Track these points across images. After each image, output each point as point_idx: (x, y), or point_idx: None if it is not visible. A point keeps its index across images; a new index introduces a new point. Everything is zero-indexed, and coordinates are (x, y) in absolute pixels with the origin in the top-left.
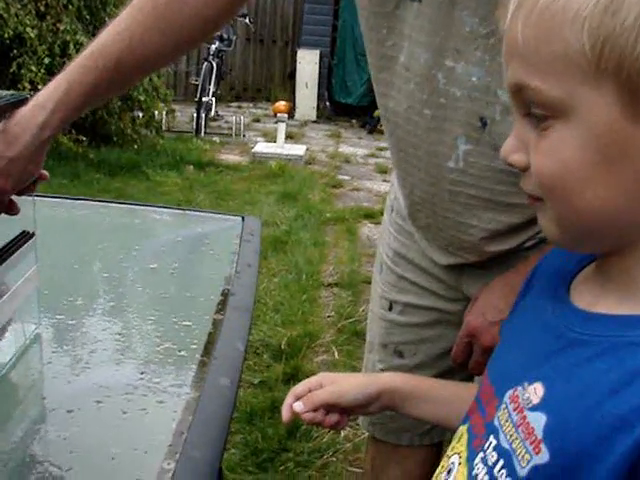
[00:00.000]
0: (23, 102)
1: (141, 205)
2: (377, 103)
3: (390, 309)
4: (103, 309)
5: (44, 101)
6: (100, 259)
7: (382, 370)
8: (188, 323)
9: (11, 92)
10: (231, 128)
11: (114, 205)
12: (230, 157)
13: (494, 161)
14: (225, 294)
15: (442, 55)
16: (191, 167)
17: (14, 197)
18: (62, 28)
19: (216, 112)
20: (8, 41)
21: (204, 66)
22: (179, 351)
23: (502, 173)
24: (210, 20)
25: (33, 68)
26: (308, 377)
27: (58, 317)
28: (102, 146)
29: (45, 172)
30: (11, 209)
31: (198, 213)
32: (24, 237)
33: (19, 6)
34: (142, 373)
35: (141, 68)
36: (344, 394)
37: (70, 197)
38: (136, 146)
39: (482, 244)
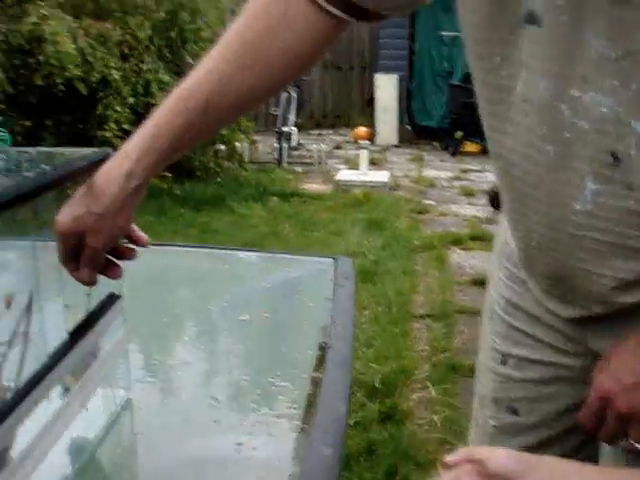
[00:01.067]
0: (106, 158)
1: (228, 249)
2: (487, 138)
3: (503, 363)
4: (195, 370)
5: (130, 149)
6: (189, 311)
7: (495, 427)
8: (285, 384)
9: (92, 150)
10: (313, 157)
11: (201, 250)
12: (313, 186)
13: (627, 202)
14: (322, 348)
15: (566, 84)
16: (275, 198)
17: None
18: (145, 68)
19: (298, 141)
20: (95, 84)
21: (283, 96)
22: (277, 417)
23: (636, 215)
24: (304, 55)
25: (118, 108)
26: (405, 416)
27: (149, 380)
28: (186, 181)
29: (143, 236)
30: (112, 272)
31: (287, 256)
32: (111, 300)
33: (105, 50)
34: (239, 444)
35: (232, 109)
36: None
37: (156, 243)
38: (219, 179)
39: (611, 295)
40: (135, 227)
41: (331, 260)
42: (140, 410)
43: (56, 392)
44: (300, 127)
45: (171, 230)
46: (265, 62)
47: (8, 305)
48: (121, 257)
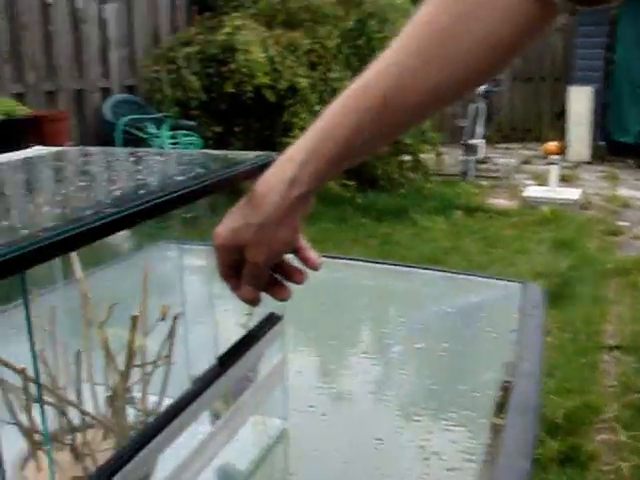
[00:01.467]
0: (270, 163)
1: (407, 266)
2: None
3: None
4: (358, 402)
5: (294, 153)
6: (358, 332)
7: None
8: (459, 428)
9: (257, 153)
10: (499, 170)
11: (378, 265)
12: (499, 201)
13: None
14: (505, 389)
15: None
16: (459, 212)
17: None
18: (332, 76)
19: (485, 155)
20: (283, 92)
21: (471, 108)
22: (448, 470)
23: None
24: (502, 46)
25: (304, 116)
26: (588, 460)
27: (308, 410)
28: (369, 190)
29: (315, 258)
30: (278, 292)
31: (471, 277)
32: (271, 320)
33: (294, 58)
34: None
35: (414, 110)
36: None
37: (328, 255)
38: (403, 190)
39: None
40: (306, 245)
41: (518, 285)
42: (296, 443)
43: (205, 418)
44: (487, 140)
45: (351, 239)
46: (455, 54)
47: (163, 317)
48: (289, 278)
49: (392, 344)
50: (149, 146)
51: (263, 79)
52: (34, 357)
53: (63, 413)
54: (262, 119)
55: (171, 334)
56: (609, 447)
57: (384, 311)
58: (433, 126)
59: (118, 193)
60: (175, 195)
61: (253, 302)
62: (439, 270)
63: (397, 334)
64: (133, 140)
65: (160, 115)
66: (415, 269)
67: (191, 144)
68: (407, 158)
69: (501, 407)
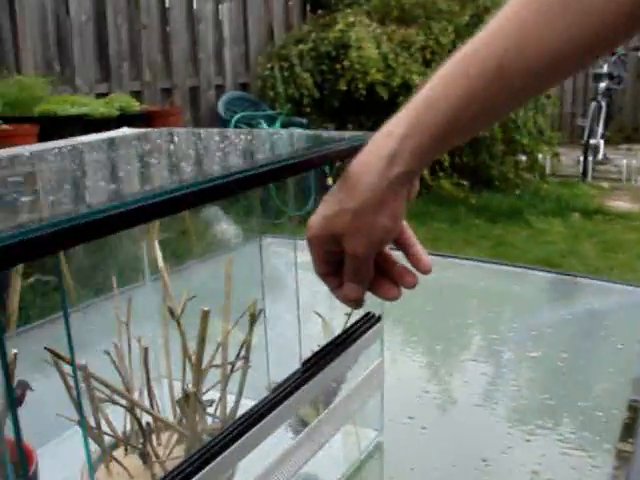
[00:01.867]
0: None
1: (522, 267)
2: None
3: None
4: (464, 415)
5: (393, 127)
6: (468, 338)
7: None
8: (580, 453)
9: (354, 133)
10: (621, 172)
11: (492, 266)
12: (620, 204)
13: None
14: (634, 409)
15: None
16: (576, 214)
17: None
18: None
19: (604, 155)
20: (396, 89)
21: (592, 106)
22: None
23: None
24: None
25: None
26: None
27: (407, 422)
28: (483, 190)
29: (425, 258)
30: (385, 290)
31: (593, 281)
32: (369, 321)
33: (407, 55)
34: None
35: (532, 77)
36: None
37: (437, 253)
38: (518, 191)
39: None
40: (414, 239)
41: None
42: (392, 458)
43: (290, 426)
44: (608, 140)
45: (463, 239)
46: (586, 7)
47: (252, 315)
48: (397, 280)
49: (503, 351)
50: None
51: (376, 76)
52: (71, 354)
53: (133, 414)
54: (374, 116)
55: (250, 332)
56: None
57: (495, 314)
58: (551, 125)
59: (203, 167)
60: (263, 169)
61: (356, 302)
62: (556, 272)
63: (509, 340)
64: None
65: (273, 112)
66: (530, 270)
67: None
68: (523, 158)
69: (629, 430)
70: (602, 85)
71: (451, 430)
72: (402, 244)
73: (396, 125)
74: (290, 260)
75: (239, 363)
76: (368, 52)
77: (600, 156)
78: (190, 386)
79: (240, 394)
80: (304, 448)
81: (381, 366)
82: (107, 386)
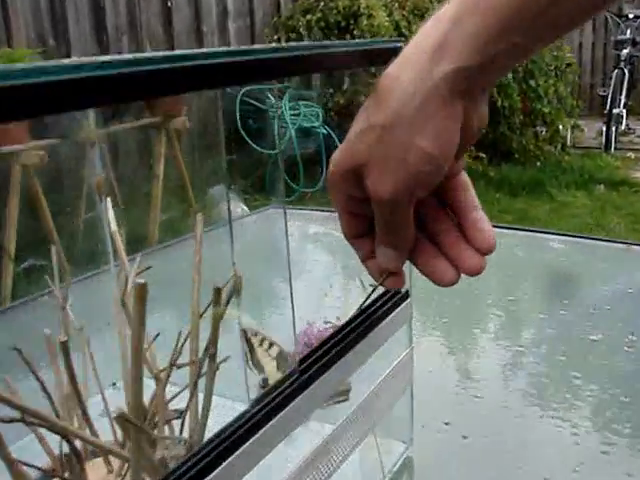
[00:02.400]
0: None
1: (563, 235)
2: None
3: None
4: (516, 419)
5: (441, 12)
6: (510, 318)
7: None
8: None
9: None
10: None
11: (528, 234)
12: None
13: None
14: None
15: None
16: (601, 186)
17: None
18: None
19: (627, 125)
20: None
21: (615, 74)
22: None
23: None
24: None
25: None
26: None
27: (443, 429)
28: (502, 164)
29: (489, 230)
30: (436, 273)
31: None
32: (393, 300)
33: (420, 23)
34: None
35: None
36: None
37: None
38: (539, 163)
39: None
40: (473, 198)
41: None
42: (425, 476)
43: (299, 435)
44: (630, 110)
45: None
46: None
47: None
48: (453, 259)
49: (557, 335)
50: (270, 117)
51: None
52: None
53: (62, 436)
54: None
55: (218, 315)
56: None
57: (540, 290)
58: (571, 94)
59: None
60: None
61: (392, 278)
62: (605, 240)
63: (562, 321)
64: (253, 111)
65: (281, 85)
66: (574, 238)
67: (312, 115)
68: (544, 130)
69: None
70: (625, 52)
71: (501, 440)
72: (456, 203)
73: (446, 8)
74: (303, 230)
75: (208, 362)
76: (379, 20)
77: (623, 126)
78: (135, 397)
79: (207, 408)
80: (313, 468)
81: (410, 358)
82: (18, 406)
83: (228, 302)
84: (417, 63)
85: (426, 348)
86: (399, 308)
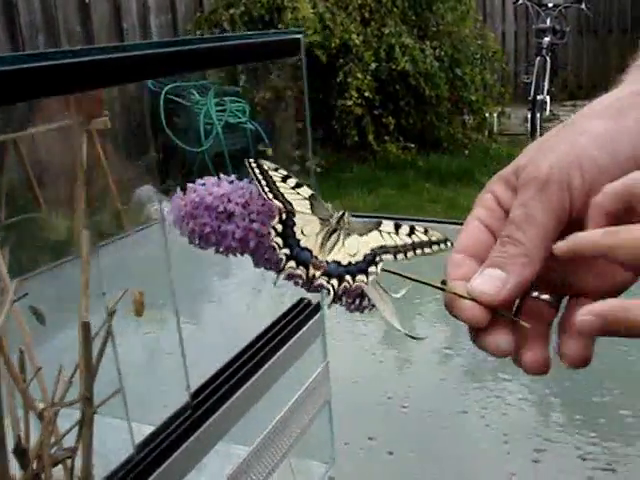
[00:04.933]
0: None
1: None
2: None
3: None
4: (445, 430)
5: None
6: (434, 317)
7: None
8: None
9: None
10: None
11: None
12: None
13: None
14: None
15: None
16: None
17: None
18: (387, 32)
19: (551, 111)
20: (334, 50)
21: (537, 61)
22: None
23: None
24: None
25: (359, 75)
26: None
27: (367, 446)
28: (431, 153)
29: None
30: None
31: None
32: (305, 312)
33: (344, 15)
34: None
35: None
36: None
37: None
38: (467, 152)
39: None
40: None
41: None
42: None
43: (210, 460)
44: (553, 97)
45: (414, 205)
46: None
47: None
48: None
49: None
50: (194, 114)
51: (313, 37)
52: None
53: None
54: (314, 81)
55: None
56: None
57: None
58: (497, 82)
59: None
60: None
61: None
62: None
63: None
64: (178, 109)
65: (205, 82)
66: None
67: (239, 110)
68: (471, 118)
69: None
70: (546, 40)
71: (429, 453)
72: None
73: None
74: None
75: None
76: (304, 13)
77: (547, 112)
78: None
79: (87, 461)
80: None
81: (326, 373)
82: None
83: (106, 340)
84: None
85: (349, 359)
86: (312, 321)
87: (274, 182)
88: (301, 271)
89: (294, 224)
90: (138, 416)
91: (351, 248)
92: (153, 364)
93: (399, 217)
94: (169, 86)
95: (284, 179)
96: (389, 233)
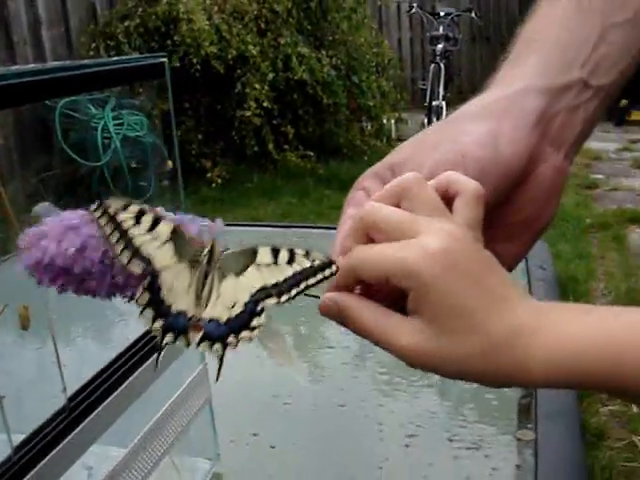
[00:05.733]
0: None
1: None
2: None
3: None
4: (327, 422)
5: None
6: (319, 320)
7: None
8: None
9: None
10: None
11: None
12: None
13: None
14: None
15: None
16: None
17: None
18: (283, 42)
19: (447, 116)
20: (232, 62)
21: (431, 68)
22: None
23: None
24: None
25: (257, 86)
26: (596, 437)
27: (251, 441)
28: (331, 160)
29: None
30: None
31: None
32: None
33: (240, 26)
34: None
35: None
36: None
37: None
38: (366, 158)
39: None
40: None
41: None
42: None
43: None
44: (449, 103)
45: (315, 212)
46: None
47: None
48: None
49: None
50: (92, 128)
51: (210, 49)
52: None
53: None
54: (212, 93)
55: None
56: (618, 420)
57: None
58: (394, 88)
59: None
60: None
61: None
62: None
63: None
64: (74, 123)
65: (101, 95)
66: None
67: (137, 124)
68: (369, 125)
69: (526, 415)
70: (439, 47)
71: (310, 445)
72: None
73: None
74: None
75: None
76: (199, 24)
77: (443, 117)
78: None
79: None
80: None
81: (205, 374)
82: None
83: None
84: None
85: (235, 362)
86: None
87: (125, 231)
88: (180, 340)
89: (159, 287)
90: (18, 421)
91: (228, 297)
92: (35, 374)
93: (300, 225)
94: (64, 100)
95: (137, 218)
96: (267, 265)
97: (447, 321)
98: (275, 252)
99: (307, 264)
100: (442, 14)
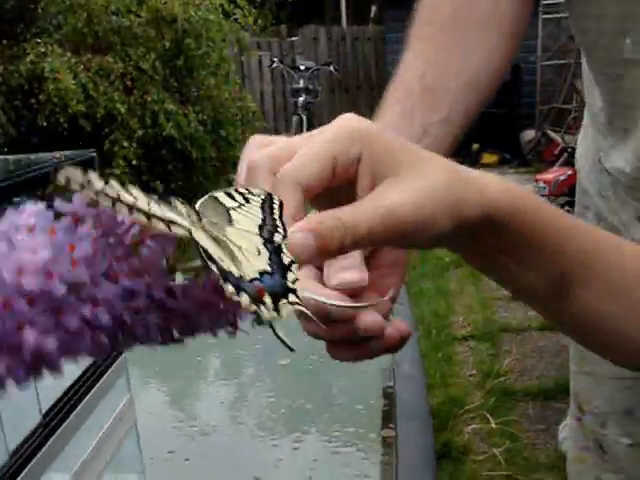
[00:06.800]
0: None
1: None
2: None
3: None
4: (226, 437)
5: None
6: (212, 358)
7: (632, 446)
8: (350, 449)
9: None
10: None
11: None
12: None
13: None
14: (389, 395)
15: None
16: None
17: None
18: (149, 99)
19: None
20: (100, 120)
21: (294, 119)
22: None
23: None
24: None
25: (125, 144)
26: (462, 453)
27: (169, 457)
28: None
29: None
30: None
31: None
32: (109, 356)
33: (107, 84)
34: None
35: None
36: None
37: None
38: None
39: None
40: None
41: None
42: None
43: None
44: None
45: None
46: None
47: None
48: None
49: (252, 365)
50: None
51: (77, 107)
52: None
53: None
54: (79, 148)
55: None
56: (480, 436)
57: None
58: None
59: None
60: None
61: None
62: None
63: (257, 352)
64: None
65: None
66: None
67: None
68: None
69: (389, 417)
70: (301, 99)
71: (216, 456)
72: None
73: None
74: None
75: None
76: (65, 83)
77: None
78: None
79: None
80: None
81: (131, 403)
82: None
83: None
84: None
85: (143, 393)
86: (116, 362)
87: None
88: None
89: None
90: None
91: (248, 246)
92: None
93: None
94: None
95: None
96: (240, 206)
97: (410, 158)
98: (229, 195)
99: (259, 199)
100: (302, 68)
